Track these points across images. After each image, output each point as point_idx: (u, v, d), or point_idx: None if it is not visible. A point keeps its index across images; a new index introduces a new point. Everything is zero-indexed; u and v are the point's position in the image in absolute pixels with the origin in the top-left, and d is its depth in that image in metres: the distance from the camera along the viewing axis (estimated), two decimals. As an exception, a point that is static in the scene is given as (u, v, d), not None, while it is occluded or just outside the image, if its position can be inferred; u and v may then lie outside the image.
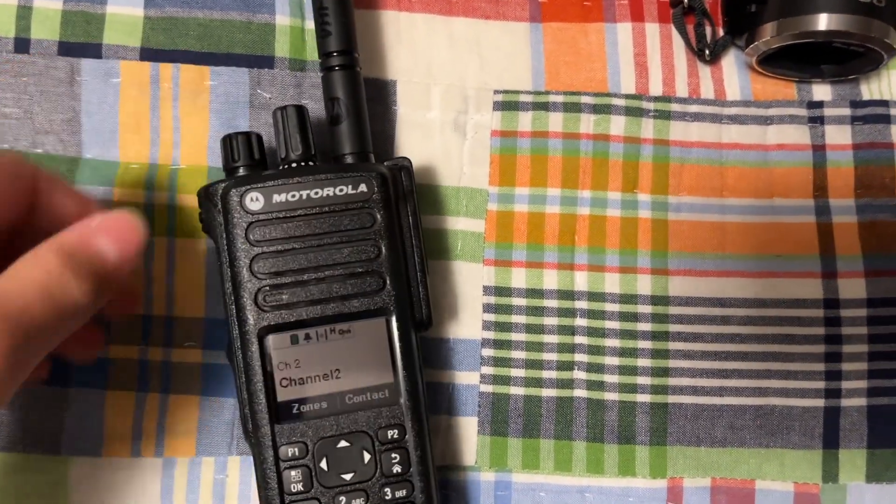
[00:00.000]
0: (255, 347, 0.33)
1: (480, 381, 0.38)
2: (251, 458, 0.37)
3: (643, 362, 0.38)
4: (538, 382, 0.38)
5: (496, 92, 0.40)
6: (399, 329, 0.34)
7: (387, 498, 0.33)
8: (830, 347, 0.38)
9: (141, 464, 0.37)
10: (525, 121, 0.40)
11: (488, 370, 0.38)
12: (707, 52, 0.39)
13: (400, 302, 0.34)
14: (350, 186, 0.33)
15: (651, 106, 0.40)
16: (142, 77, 0.39)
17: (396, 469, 0.33)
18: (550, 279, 0.39)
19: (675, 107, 0.40)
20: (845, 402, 0.38)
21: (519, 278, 0.39)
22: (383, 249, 0.33)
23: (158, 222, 0.38)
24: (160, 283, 0.38)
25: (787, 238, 0.39)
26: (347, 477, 0.33)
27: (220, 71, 0.39)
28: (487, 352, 0.38)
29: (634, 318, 0.39)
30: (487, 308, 0.39)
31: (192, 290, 0.38)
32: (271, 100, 0.39)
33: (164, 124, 0.39)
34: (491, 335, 0.39)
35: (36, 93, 0.38)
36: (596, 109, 0.39)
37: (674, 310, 0.39)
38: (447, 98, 0.40)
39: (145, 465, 0.37)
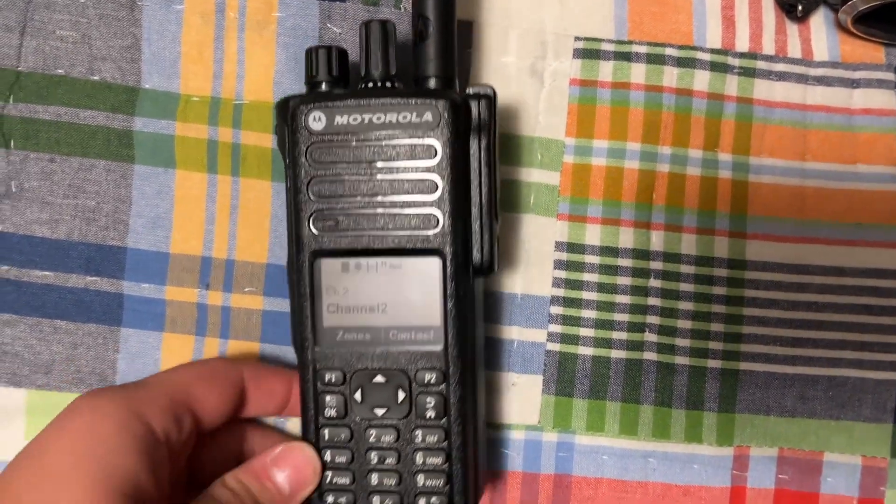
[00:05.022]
0: (305, 269, 0.32)
1: (547, 339, 0.37)
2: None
3: (716, 327, 0.37)
4: (607, 343, 0.37)
5: (577, 39, 0.38)
6: (453, 273, 0.32)
7: (417, 441, 0.32)
8: None
9: (197, 410, 0.36)
10: (606, 71, 0.38)
11: (556, 328, 0.37)
12: (799, 8, 0.38)
13: (455, 244, 0.32)
14: (414, 114, 0.31)
15: (736, 62, 0.38)
16: (206, 5, 0.36)
17: (430, 414, 0.32)
18: (626, 237, 0.37)
19: (760, 64, 0.38)
20: (920, 376, 0.37)
21: (593, 235, 0.37)
22: (440, 186, 0.31)
23: (222, 161, 0.36)
24: (222, 226, 0.36)
25: (869, 206, 0.38)
26: (380, 412, 0.32)
27: (289, 2, 0.37)
28: (556, 309, 0.37)
29: (710, 281, 0.37)
30: (559, 264, 0.37)
31: (255, 234, 0.36)
32: (341, 35, 0.37)
33: (229, 56, 0.37)
34: (561, 292, 0.37)
35: (94, 16, 0.36)
36: (680, 63, 0.38)
37: (750, 274, 0.37)
38: (524, 42, 0.38)
39: (202, 412, 0.36)
